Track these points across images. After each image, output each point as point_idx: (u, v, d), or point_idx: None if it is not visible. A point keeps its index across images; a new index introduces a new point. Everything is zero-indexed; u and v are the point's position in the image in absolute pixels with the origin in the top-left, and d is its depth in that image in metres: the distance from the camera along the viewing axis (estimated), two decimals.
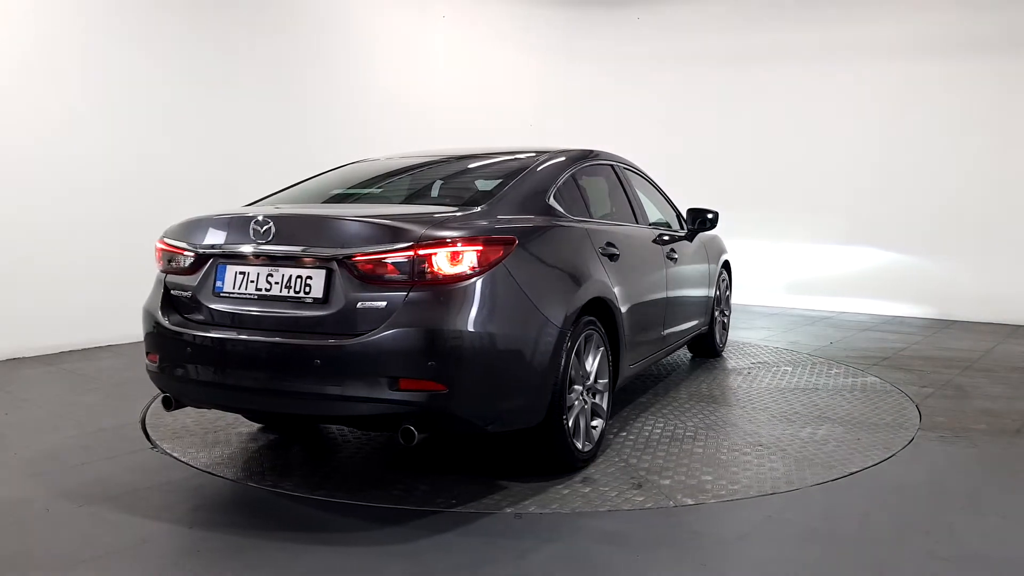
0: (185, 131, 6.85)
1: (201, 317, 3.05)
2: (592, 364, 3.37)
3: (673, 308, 4.58)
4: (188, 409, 4.34)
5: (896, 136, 8.30)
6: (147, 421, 4.12)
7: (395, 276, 2.73)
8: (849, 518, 2.85)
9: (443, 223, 2.88)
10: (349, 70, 8.24)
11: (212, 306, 3.02)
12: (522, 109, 9.58)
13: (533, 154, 3.88)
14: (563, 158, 3.82)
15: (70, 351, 6.11)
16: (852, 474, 3.29)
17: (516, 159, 3.85)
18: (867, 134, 8.47)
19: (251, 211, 3.13)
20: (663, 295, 4.36)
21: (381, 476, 3.29)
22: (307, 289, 2.85)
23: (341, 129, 8.12)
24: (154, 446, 3.72)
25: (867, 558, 2.51)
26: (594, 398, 3.42)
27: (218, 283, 3.03)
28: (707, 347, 5.78)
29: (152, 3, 6.62)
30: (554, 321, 3.02)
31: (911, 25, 8.18)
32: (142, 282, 6.51)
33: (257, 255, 2.96)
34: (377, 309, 2.72)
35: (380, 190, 3.97)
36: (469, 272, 2.77)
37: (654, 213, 4.86)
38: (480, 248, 2.80)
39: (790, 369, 5.46)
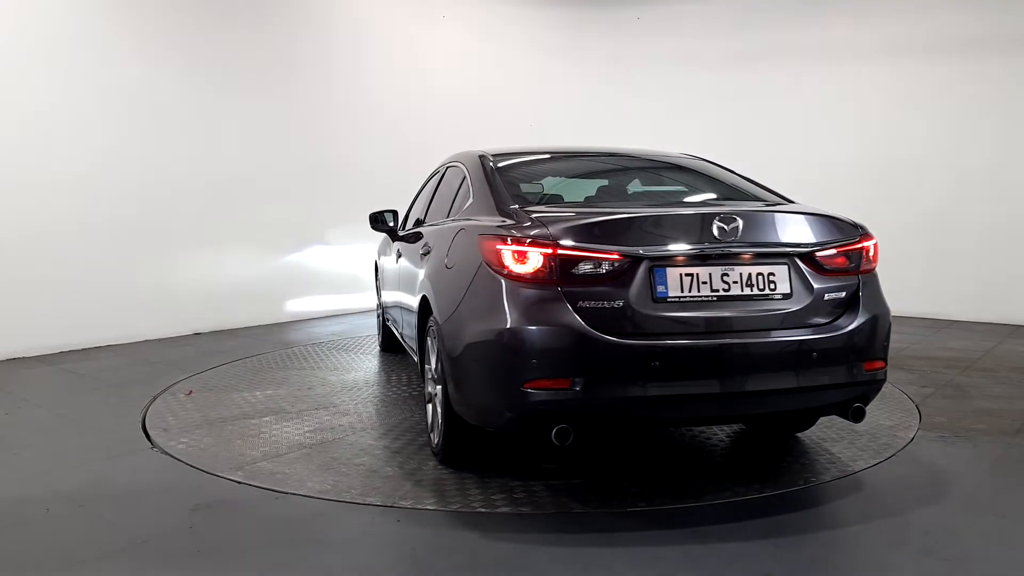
0: (185, 132, 6.86)
1: (640, 327, 2.75)
2: None
3: None
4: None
5: (897, 135, 8.29)
6: (147, 421, 4.13)
7: (846, 267, 3.02)
8: (849, 518, 2.86)
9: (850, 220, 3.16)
10: (349, 70, 8.24)
11: (656, 313, 2.76)
12: (522, 109, 9.58)
13: (662, 151, 4.35)
14: None
15: (70, 351, 6.11)
16: (852, 474, 3.29)
17: (689, 155, 4.22)
18: (868, 132, 8.46)
19: (698, 211, 3.01)
20: None
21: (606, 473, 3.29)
22: (772, 286, 2.88)
23: (340, 129, 8.12)
24: (154, 446, 3.72)
25: (867, 558, 2.52)
26: None
27: (659, 288, 2.78)
28: None
29: (150, 3, 6.62)
30: None
31: (911, 25, 8.17)
32: (142, 282, 6.57)
33: (718, 255, 2.83)
34: (839, 299, 2.98)
35: (666, 188, 4.05)
36: (874, 262, 3.14)
37: None
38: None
39: None
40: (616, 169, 4.19)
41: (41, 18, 5.95)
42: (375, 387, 4.90)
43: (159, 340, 6.62)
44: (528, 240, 2.81)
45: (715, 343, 2.76)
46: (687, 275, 2.81)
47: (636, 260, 2.77)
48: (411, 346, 4.54)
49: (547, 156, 4.25)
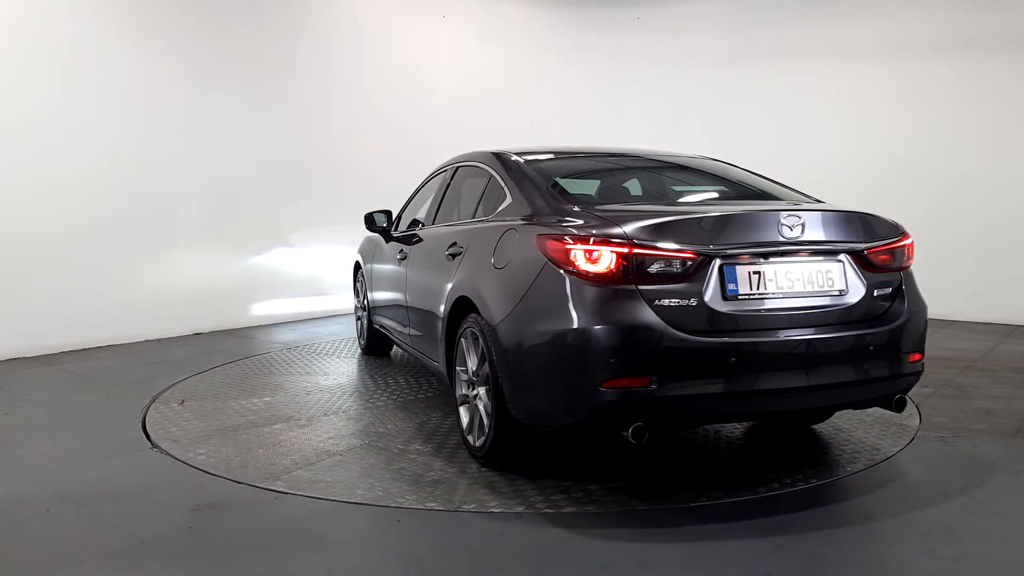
0: (185, 132, 6.86)
1: (715, 325, 2.80)
2: None
3: None
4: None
5: (897, 135, 8.29)
6: (147, 421, 4.12)
7: (890, 264, 3.15)
8: (849, 518, 2.86)
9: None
10: (349, 70, 8.24)
11: (728, 311, 2.82)
12: (522, 109, 9.58)
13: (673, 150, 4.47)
14: None
15: (70, 351, 6.11)
16: (852, 474, 3.29)
17: (700, 156, 4.35)
18: (867, 133, 8.46)
19: (764, 209, 3.07)
20: None
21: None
22: (830, 282, 3.00)
23: (340, 129, 8.12)
24: (154, 446, 3.72)
25: (867, 558, 2.52)
26: None
27: (730, 286, 2.84)
28: None
29: (150, 3, 6.62)
30: None
31: (911, 25, 8.17)
32: (142, 282, 6.58)
33: (782, 253, 2.93)
34: (886, 294, 3.12)
35: (697, 188, 4.11)
36: (912, 259, 3.28)
37: None
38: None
39: None
40: (642, 169, 4.19)
41: (41, 18, 5.95)
42: (376, 391, 4.89)
43: (159, 340, 6.62)
44: (601, 239, 2.79)
45: (787, 339, 2.86)
46: (755, 273, 2.89)
47: (708, 258, 2.83)
48: (416, 348, 4.49)
49: (560, 156, 4.21)
